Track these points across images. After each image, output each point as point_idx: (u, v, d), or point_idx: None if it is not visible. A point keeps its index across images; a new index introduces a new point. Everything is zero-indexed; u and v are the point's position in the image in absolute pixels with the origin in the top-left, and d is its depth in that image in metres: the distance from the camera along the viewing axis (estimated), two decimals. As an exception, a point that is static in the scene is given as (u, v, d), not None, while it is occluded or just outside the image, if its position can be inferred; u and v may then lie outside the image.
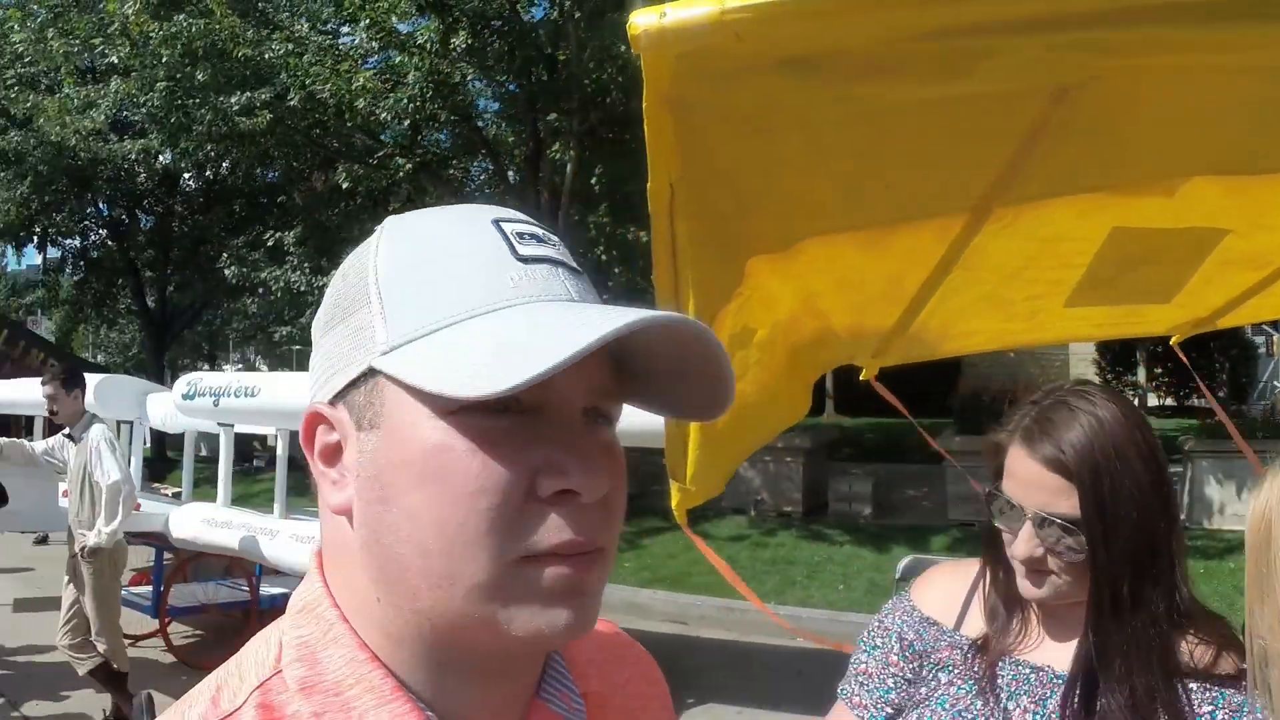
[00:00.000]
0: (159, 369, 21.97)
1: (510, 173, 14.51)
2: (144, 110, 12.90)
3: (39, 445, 6.76)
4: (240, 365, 32.66)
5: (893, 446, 15.99)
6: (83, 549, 6.13)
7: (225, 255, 17.29)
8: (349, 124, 11.76)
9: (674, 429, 2.82)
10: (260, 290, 15.97)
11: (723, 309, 2.56)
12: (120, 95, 12.72)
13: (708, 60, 1.67)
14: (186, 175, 21.56)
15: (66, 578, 6.47)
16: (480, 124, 13.69)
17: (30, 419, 12.11)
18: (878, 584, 9.75)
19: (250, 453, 21.37)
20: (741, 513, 13.02)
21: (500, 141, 14.19)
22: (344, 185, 12.66)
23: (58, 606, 9.77)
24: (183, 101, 12.23)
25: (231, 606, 8.60)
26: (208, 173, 19.81)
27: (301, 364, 15.43)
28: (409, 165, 12.28)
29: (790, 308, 2.77)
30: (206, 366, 35.95)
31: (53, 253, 24.28)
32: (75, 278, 24.44)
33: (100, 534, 6.03)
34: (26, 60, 17.02)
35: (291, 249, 15.17)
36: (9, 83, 16.02)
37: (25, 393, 10.55)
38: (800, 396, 3.28)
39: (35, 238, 22.57)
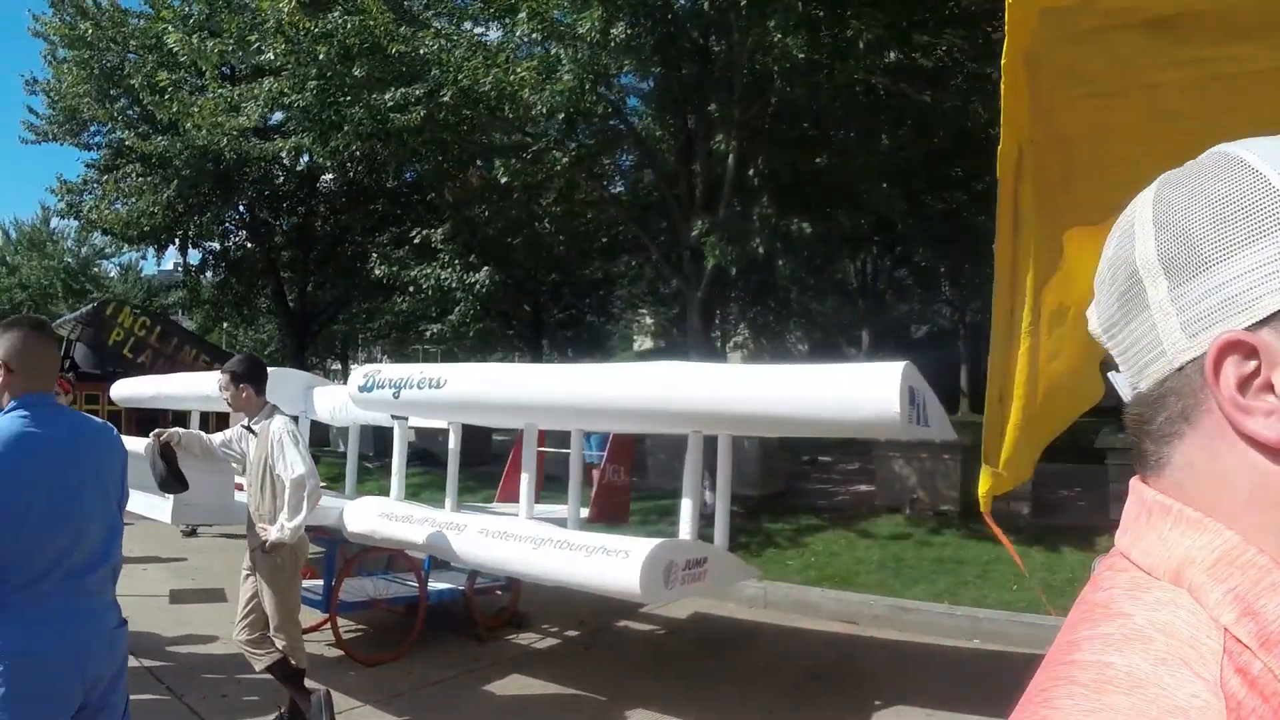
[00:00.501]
0: (299, 368, 22.04)
1: (648, 169, 14.33)
2: (296, 109, 12.94)
3: (216, 438, 6.62)
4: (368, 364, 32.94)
5: (1057, 444, 15.54)
6: (264, 544, 6.00)
7: (374, 254, 17.42)
8: (510, 116, 11.63)
9: (995, 411, 2.62)
10: (411, 288, 15.93)
11: (1049, 281, 2.41)
12: (273, 94, 12.75)
13: (1070, 17, 1.73)
14: (329, 176, 21.93)
15: (244, 572, 6.34)
16: (630, 118, 13.53)
17: (185, 414, 12.24)
18: (1051, 585, 9.43)
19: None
20: (896, 511, 12.83)
21: (648, 135, 14.00)
22: (502, 180, 12.50)
23: (214, 598, 10.01)
24: (335, 99, 12.26)
25: (400, 602, 8.50)
26: (351, 172, 19.92)
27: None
28: (565, 159, 12.10)
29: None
30: (339, 365, 36.54)
31: (192, 255, 24.62)
32: (216, 279, 24.89)
33: (283, 529, 5.90)
34: (179, 60, 17.32)
35: (440, 245, 15.19)
36: (160, 84, 16.26)
37: (181, 387, 10.70)
38: (1096, 379, 3.09)
39: (177, 240, 22.88)
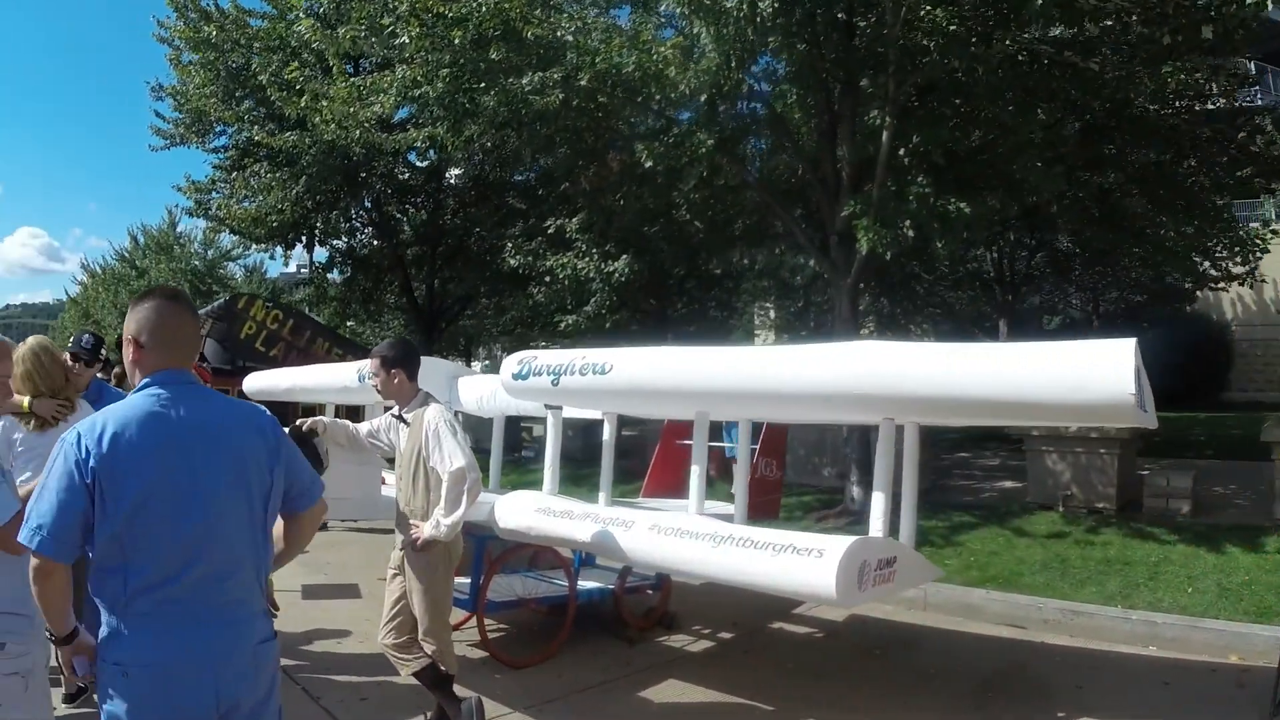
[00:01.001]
0: (430, 361, 22.05)
1: (785, 153, 13.87)
2: (428, 98, 12.68)
3: (363, 427, 6.25)
4: (488, 361, 32.95)
5: (1210, 440, 14.92)
6: (415, 541, 5.59)
7: (509, 245, 17.17)
8: (656, 96, 11.20)
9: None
10: (547, 278, 15.59)
11: None
12: (405, 83, 12.48)
13: None
14: (456, 171, 22.04)
15: (391, 571, 5.93)
16: (771, 100, 13.05)
17: (319, 407, 12.04)
18: (1226, 588, 8.89)
19: (519, 442, 21.37)
20: (1048, 509, 12.23)
21: (788, 117, 13.50)
22: (646, 164, 12.11)
23: (348, 594, 9.71)
24: (469, 85, 11.98)
25: (549, 602, 8.09)
26: (481, 166, 19.82)
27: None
28: (710, 141, 11.66)
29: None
30: (462, 362, 36.60)
31: (319, 253, 24.80)
32: (343, 276, 25.00)
33: (439, 525, 5.48)
34: (305, 58, 17.30)
35: (576, 235, 14.85)
36: (289, 76, 16.20)
37: (315, 379, 10.44)
38: None
39: (303, 238, 22.95)
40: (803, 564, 5.07)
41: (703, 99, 11.52)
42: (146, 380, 3.09)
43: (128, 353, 3.15)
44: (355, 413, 10.77)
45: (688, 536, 5.71)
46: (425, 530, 5.54)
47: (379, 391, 5.92)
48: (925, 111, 11.98)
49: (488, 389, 8.35)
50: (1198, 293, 24.17)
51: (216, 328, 18.39)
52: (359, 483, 7.16)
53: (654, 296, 16.34)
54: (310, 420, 6.08)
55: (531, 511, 6.85)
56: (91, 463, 2.86)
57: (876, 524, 5.63)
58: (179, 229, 42.07)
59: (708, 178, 12.79)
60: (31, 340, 5.94)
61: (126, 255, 44.59)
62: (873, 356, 5.31)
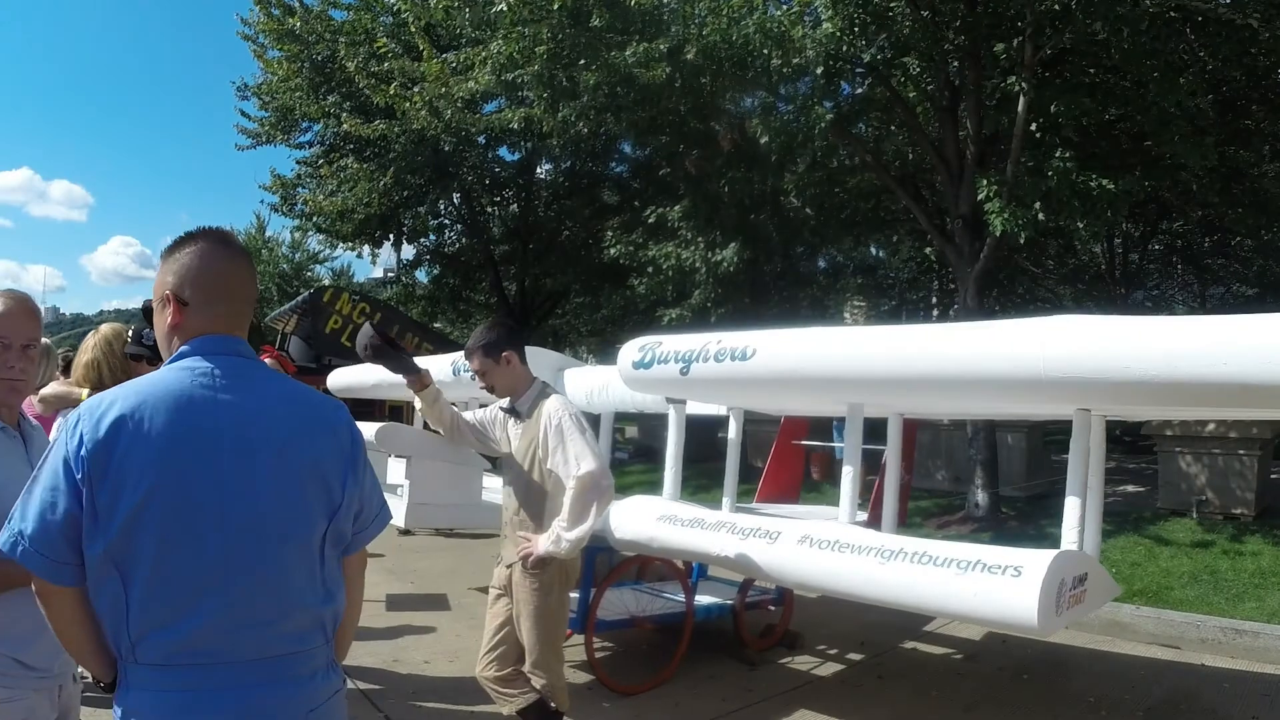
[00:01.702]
0: (520, 361, 21.64)
1: (901, 132, 13.01)
2: (527, 74, 12.04)
3: (469, 416, 5.32)
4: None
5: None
6: (527, 557, 4.66)
7: (609, 234, 16.46)
8: (774, 61, 10.37)
9: None
10: (650, 269, 14.79)
11: None
12: (501, 58, 11.80)
13: None
14: (547, 166, 21.61)
15: (494, 592, 4.97)
16: (886, 73, 12.22)
17: (404, 405, 11.32)
18: None
19: (613, 443, 20.75)
20: (1181, 515, 11.43)
21: (903, 92, 12.68)
22: (762, 140, 11.35)
23: (437, 605, 8.88)
24: (569, 60, 11.31)
25: (666, 619, 7.22)
26: (572, 158, 19.25)
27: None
28: (828, 115, 10.81)
29: None
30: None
31: (407, 251, 24.52)
32: (430, 274, 24.77)
33: (560, 541, 4.54)
34: (398, 38, 16.88)
35: (679, 223, 14.09)
36: (381, 49, 15.75)
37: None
38: None
39: (391, 236, 22.54)
40: (997, 585, 4.21)
41: (819, 71, 10.74)
42: (184, 348, 2.26)
43: (165, 317, 2.30)
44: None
45: (849, 551, 4.82)
46: (541, 545, 4.62)
47: (487, 387, 4.98)
48: (1061, 80, 11.09)
49: (599, 382, 7.52)
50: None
51: (301, 325, 17.80)
52: (455, 485, 6.30)
53: (748, 293, 15.51)
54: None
55: (654, 520, 5.97)
56: (83, 452, 2.03)
57: (1070, 534, 4.73)
58: (267, 233, 42.25)
59: (822, 158, 11.99)
60: (105, 328, 5.42)
61: None
62: (1075, 333, 4.40)
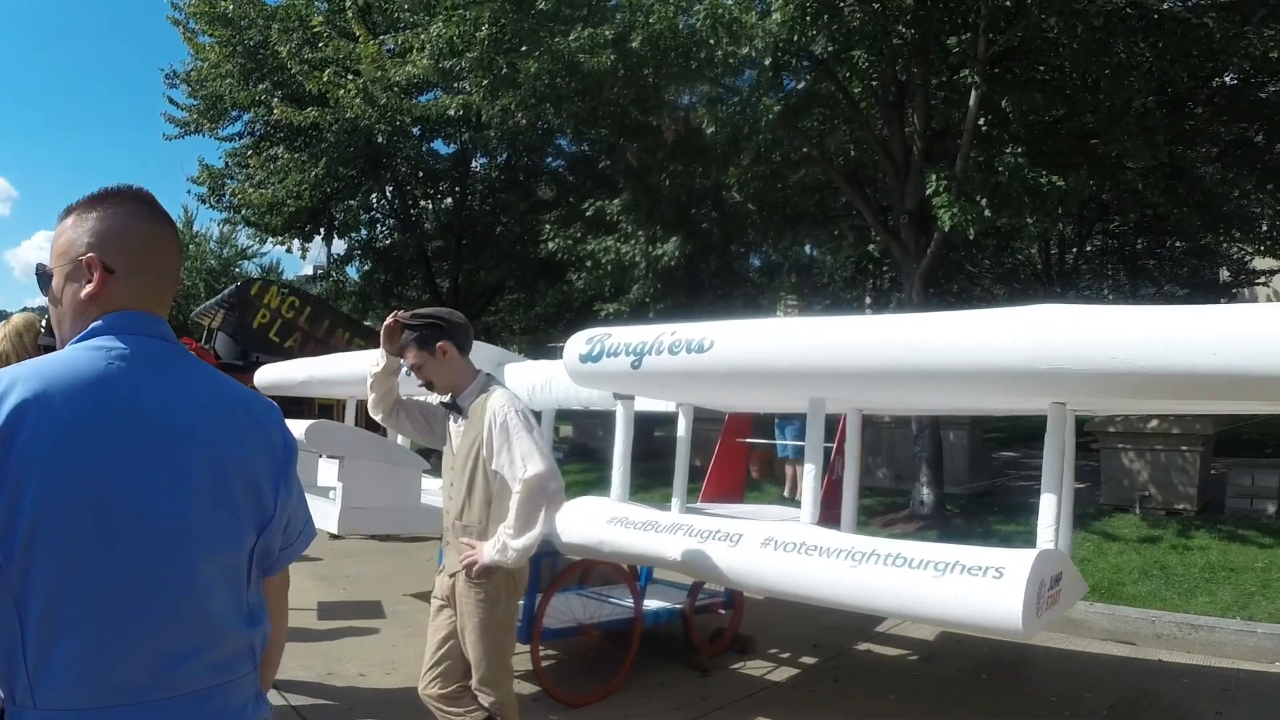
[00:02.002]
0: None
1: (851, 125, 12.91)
2: (467, 60, 11.72)
3: (413, 404, 4.91)
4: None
5: (1266, 438, 15.02)
6: (470, 566, 4.26)
7: (547, 228, 16.11)
8: (719, 52, 10.17)
9: None
10: (589, 263, 14.46)
11: None
12: (441, 42, 11.46)
13: None
14: (482, 160, 21.40)
15: (436, 603, 4.58)
16: (832, 65, 12.03)
17: (337, 403, 10.90)
18: None
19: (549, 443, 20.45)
20: (1124, 510, 11.42)
21: (849, 85, 12.52)
22: (708, 131, 11.13)
23: (371, 614, 8.44)
24: (510, 45, 11.01)
25: (613, 626, 6.87)
26: (514, 143, 18.93)
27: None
28: (775, 107, 10.58)
29: None
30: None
31: (337, 246, 23.98)
32: (362, 269, 24.24)
33: (506, 549, 4.15)
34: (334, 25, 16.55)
35: (619, 217, 13.79)
36: (315, 28, 15.35)
37: (336, 369, 9.25)
38: None
39: (321, 231, 22.17)
40: (977, 587, 3.96)
41: (766, 62, 10.50)
42: (96, 324, 1.85)
43: (77, 286, 1.88)
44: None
45: (817, 553, 4.52)
46: (485, 554, 4.22)
47: (425, 384, 4.55)
48: (1011, 76, 10.98)
49: (540, 377, 7.17)
50: (1234, 289, 23.56)
51: (229, 320, 17.23)
52: (392, 488, 5.83)
53: (686, 289, 15.30)
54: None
55: (604, 523, 5.65)
56: None
57: (1046, 533, 4.48)
58: (195, 228, 41.59)
59: (766, 151, 11.76)
60: (16, 318, 5.04)
61: None
62: (1054, 322, 4.15)
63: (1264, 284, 21.77)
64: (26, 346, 4.86)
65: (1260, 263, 21.26)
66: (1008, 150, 9.99)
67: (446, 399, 4.54)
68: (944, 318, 4.59)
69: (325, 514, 5.27)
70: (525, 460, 4.14)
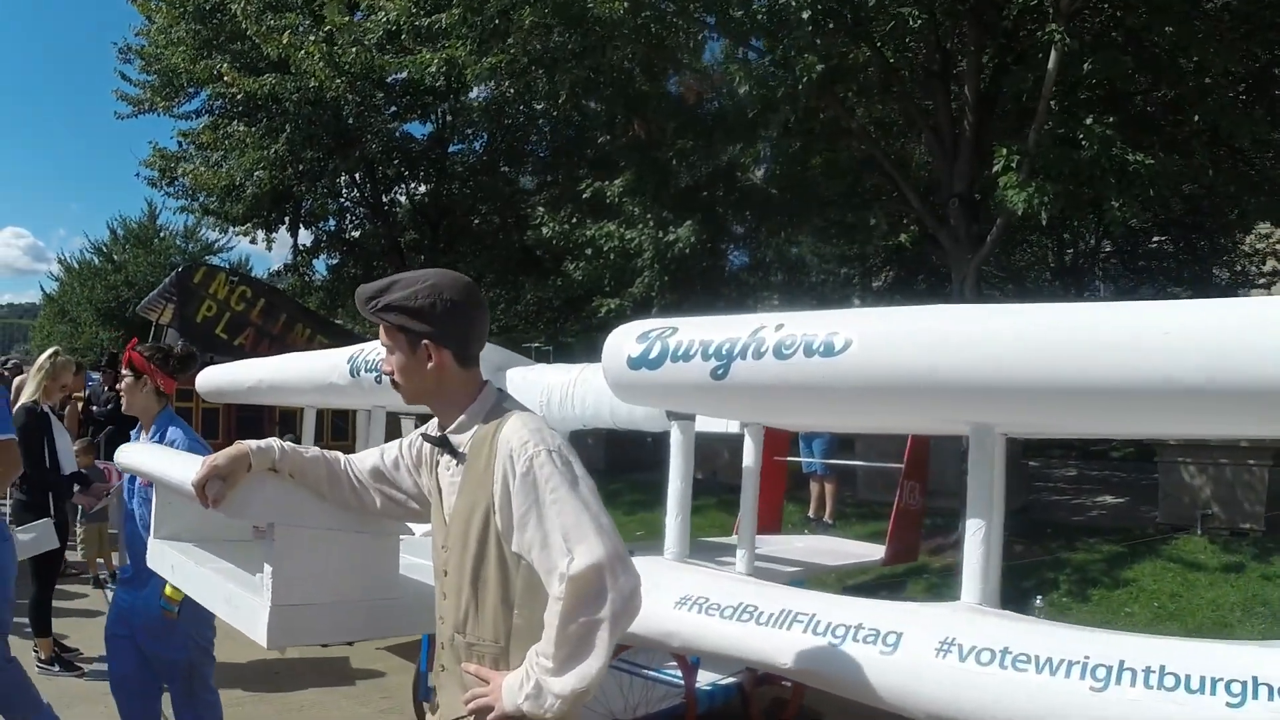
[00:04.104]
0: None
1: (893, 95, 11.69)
2: (450, 16, 10.34)
3: (367, 459, 2.98)
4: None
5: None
6: (482, 713, 2.46)
7: (541, 212, 14.62)
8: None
9: None
10: (588, 252, 12.84)
11: None
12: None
13: None
14: (459, 146, 20.15)
15: None
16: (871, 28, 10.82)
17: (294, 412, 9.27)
18: None
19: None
20: (1183, 530, 10.55)
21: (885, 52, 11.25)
22: (740, 90, 9.99)
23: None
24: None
25: (663, 717, 5.51)
26: (499, 113, 17.58)
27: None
28: (820, 66, 9.21)
29: None
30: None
31: (304, 237, 22.73)
32: (331, 261, 23.07)
33: (541, 693, 2.32)
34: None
35: (621, 199, 12.20)
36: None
37: (291, 371, 7.39)
38: None
39: (287, 220, 20.88)
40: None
41: (805, 15, 9.13)
42: None
43: None
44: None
45: (1032, 666, 2.80)
46: (505, 698, 2.40)
47: (402, 391, 2.70)
48: (1091, 37, 9.74)
49: (559, 383, 5.41)
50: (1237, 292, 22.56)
51: (176, 317, 15.41)
52: (359, 571, 3.12)
53: (701, 281, 13.85)
54: (236, 450, 2.84)
55: (672, 605, 3.81)
56: None
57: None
58: (159, 221, 41.37)
59: (797, 123, 10.31)
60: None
61: (105, 249, 42.87)
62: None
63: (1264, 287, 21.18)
64: None
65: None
66: (1100, 118, 8.65)
67: (432, 429, 2.77)
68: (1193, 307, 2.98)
69: (250, 616, 2.95)
70: (570, 539, 2.35)
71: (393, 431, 8.23)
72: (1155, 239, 21.49)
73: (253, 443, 2.84)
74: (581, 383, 5.15)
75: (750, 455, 4.56)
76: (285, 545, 2.83)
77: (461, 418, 2.64)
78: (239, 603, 3.11)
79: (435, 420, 2.74)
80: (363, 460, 2.97)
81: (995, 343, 3.17)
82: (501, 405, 2.64)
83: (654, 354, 3.85)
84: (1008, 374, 3.11)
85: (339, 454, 2.98)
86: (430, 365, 2.59)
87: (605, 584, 2.28)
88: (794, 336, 3.41)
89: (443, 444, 2.65)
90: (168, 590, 4.26)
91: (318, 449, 2.99)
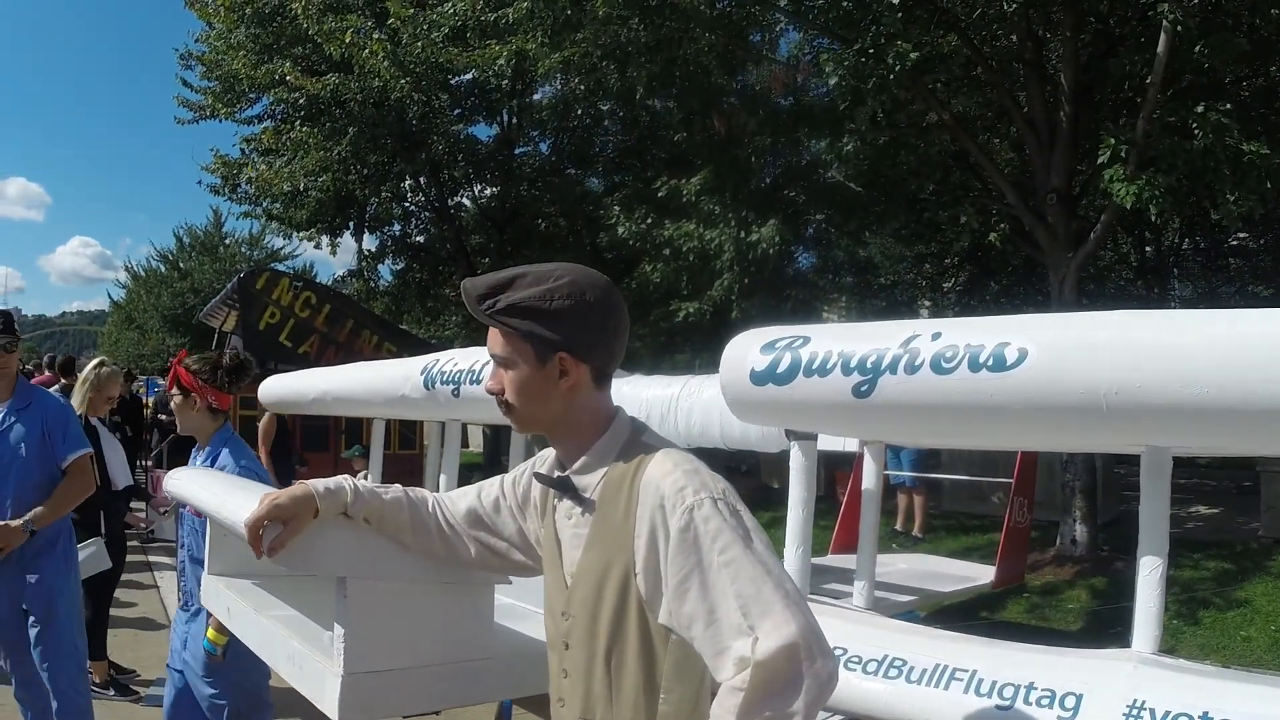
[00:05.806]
0: (494, 373, 20.03)
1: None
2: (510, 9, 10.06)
3: (461, 501, 2.47)
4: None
5: None
6: None
7: (617, 211, 14.14)
8: None
9: None
10: (666, 252, 12.35)
11: None
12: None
13: None
14: (524, 149, 20.00)
15: None
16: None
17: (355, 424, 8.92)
18: None
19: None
20: None
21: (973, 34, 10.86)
22: (830, 80, 9.37)
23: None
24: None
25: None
26: (565, 121, 17.25)
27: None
28: (914, 54, 8.71)
29: None
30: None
31: (369, 241, 22.77)
32: (396, 266, 22.95)
33: None
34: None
35: (698, 197, 11.76)
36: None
37: (359, 382, 6.92)
38: None
39: (352, 225, 20.73)
40: None
41: (895, 1, 8.89)
42: None
43: None
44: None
45: None
46: None
47: (516, 415, 2.18)
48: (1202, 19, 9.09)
49: (662, 398, 4.79)
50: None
51: (240, 324, 15.14)
52: (447, 629, 2.52)
53: (775, 283, 13.45)
54: (300, 491, 2.34)
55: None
56: None
57: None
58: (225, 229, 42.14)
59: (885, 115, 10.02)
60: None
61: (170, 256, 43.82)
62: None
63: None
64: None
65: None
66: (1215, 106, 8.18)
67: (545, 465, 2.28)
68: None
69: (319, 685, 2.45)
70: (751, 614, 1.83)
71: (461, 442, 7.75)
72: (1238, 235, 20.38)
73: (319, 483, 2.36)
74: (687, 397, 4.57)
75: (871, 476, 4.05)
76: (360, 602, 2.35)
77: (588, 455, 2.12)
78: (304, 664, 2.60)
79: (549, 452, 2.25)
80: (455, 502, 2.47)
81: (1205, 354, 2.63)
82: (640, 439, 2.12)
83: (783, 367, 3.30)
84: (1218, 392, 2.57)
85: (426, 493, 2.47)
86: (563, 384, 2.07)
87: (801, 670, 1.76)
88: (956, 348, 2.87)
89: (564, 487, 2.15)
90: (210, 632, 3.83)
91: (399, 488, 2.47)
